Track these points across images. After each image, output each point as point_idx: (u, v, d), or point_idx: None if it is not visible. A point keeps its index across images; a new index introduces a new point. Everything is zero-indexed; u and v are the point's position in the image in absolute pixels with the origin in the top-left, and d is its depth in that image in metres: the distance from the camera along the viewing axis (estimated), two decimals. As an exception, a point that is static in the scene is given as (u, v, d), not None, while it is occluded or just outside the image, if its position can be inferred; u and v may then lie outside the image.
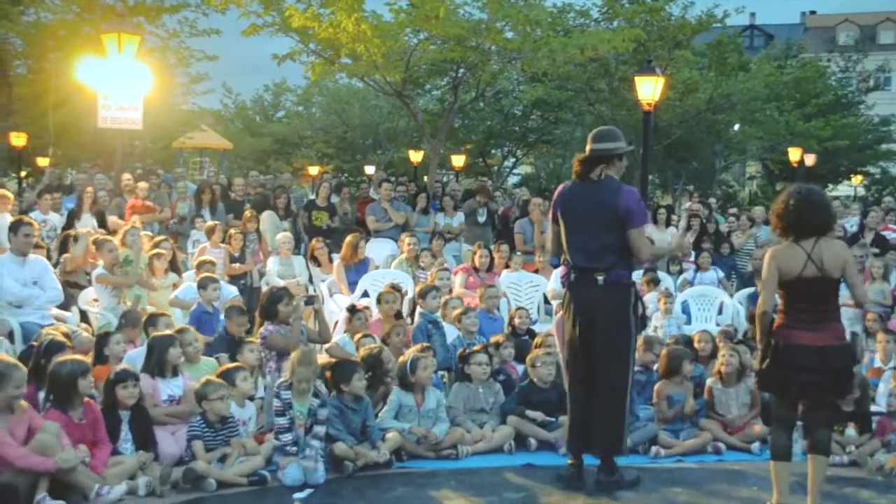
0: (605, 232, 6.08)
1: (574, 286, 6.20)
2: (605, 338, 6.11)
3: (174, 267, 9.94)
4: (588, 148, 6.26)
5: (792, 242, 5.54)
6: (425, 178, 19.14)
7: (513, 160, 36.34)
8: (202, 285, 8.74)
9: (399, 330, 8.26)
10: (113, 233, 10.48)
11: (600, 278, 6.05)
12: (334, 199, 14.30)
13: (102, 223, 11.80)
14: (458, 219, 13.52)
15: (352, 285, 10.51)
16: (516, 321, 9.06)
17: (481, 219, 13.68)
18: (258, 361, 7.05)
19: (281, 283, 10.00)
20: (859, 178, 39.22)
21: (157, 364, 6.74)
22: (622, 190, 6.15)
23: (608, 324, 6.12)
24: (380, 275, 10.68)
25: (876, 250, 11.86)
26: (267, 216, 12.68)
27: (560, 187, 6.46)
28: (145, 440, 6.28)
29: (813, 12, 62.86)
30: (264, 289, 9.31)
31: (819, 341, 5.43)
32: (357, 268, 10.75)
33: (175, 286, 9.55)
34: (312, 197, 14.85)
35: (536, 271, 11.27)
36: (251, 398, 6.99)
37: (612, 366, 6.15)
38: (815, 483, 5.59)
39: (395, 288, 9.18)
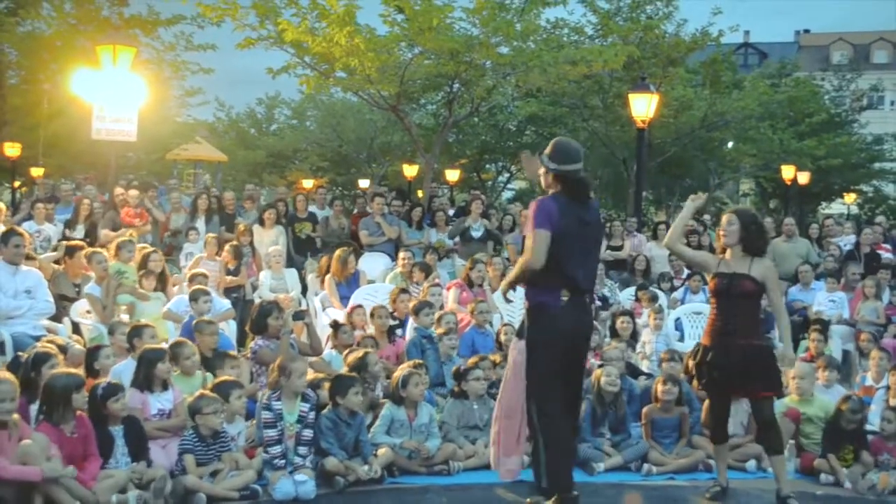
0: (597, 252, 6.02)
1: (565, 308, 5.60)
2: (585, 359, 6.05)
3: (161, 280, 9.69)
4: (574, 168, 5.69)
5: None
6: (419, 192, 19.11)
7: (507, 175, 36.38)
8: (193, 297, 8.70)
9: (367, 341, 8.27)
10: (102, 246, 10.42)
11: (587, 299, 5.87)
12: (320, 210, 14.31)
13: (93, 235, 11.75)
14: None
15: (344, 300, 10.48)
16: (502, 337, 9.00)
17: (476, 234, 13.17)
18: (243, 408, 6.96)
19: (272, 296, 9.97)
20: (852, 196, 39.34)
21: (146, 378, 6.69)
22: (597, 209, 6.11)
23: (588, 345, 6.11)
24: (373, 289, 10.66)
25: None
26: (276, 231, 12.65)
27: (550, 200, 5.65)
28: (141, 451, 6.23)
29: (807, 31, 63.35)
30: (257, 302, 9.27)
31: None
32: (348, 282, 10.72)
33: (167, 296, 9.51)
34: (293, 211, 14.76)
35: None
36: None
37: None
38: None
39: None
